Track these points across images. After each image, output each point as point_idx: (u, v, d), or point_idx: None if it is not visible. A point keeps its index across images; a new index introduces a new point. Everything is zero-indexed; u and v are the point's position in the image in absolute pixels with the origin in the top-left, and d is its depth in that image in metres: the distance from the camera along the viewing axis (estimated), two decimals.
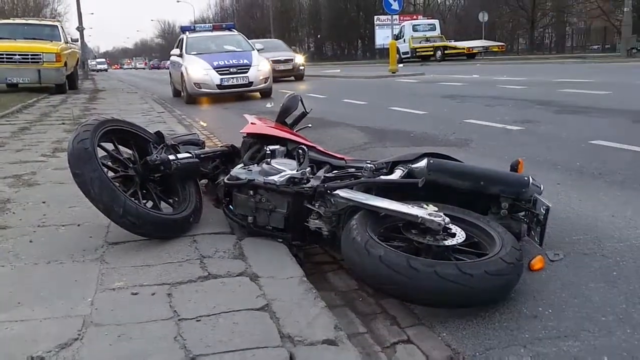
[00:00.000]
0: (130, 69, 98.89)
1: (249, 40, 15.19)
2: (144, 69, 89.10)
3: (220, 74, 12.30)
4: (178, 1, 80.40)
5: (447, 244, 2.30)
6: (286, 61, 19.40)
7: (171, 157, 3.10)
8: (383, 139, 6.18)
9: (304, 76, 20.29)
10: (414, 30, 34.56)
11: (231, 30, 14.86)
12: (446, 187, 2.66)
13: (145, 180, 3.09)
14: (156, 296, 2.20)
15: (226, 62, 12.51)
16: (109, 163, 3.04)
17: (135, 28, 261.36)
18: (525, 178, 2.67)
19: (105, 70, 69.96)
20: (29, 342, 1.86)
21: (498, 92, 10.53)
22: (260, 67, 12.72)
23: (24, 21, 17.21)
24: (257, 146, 3.40)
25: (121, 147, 3.20)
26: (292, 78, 19.82)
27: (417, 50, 32.91)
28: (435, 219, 2.29)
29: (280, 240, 2.80)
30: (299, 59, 20.24)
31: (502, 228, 2.45)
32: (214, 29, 15.09)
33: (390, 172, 2.83)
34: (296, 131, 3.76)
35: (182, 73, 12.78)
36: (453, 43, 34.49)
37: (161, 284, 2.32)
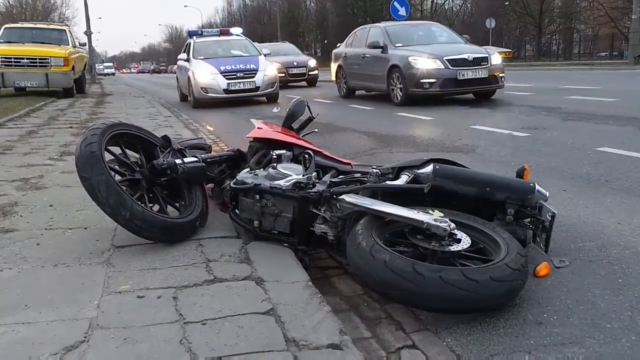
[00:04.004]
0: (128, 72, 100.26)
1: None
2: (136, 72, 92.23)
3: (227, 79, 12.33)
4: (186, 6, 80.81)
5: (452, 250, 2.31)
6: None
7: (178, 161, 3.12)
8: (389, 145, 6.18)
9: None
10: None
11: (238, 35, 14.90)
12: (452, 193, 2.67)
13: (152, 184, 3.11)
14: (162, 299, 2.21)
15: (233, 67, 12.55)
16: (116, 167, 3.06)
17: (142, 32, 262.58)
18: (531, 184, 2.67)
19: (113, 74, 70.27)
20: (35, 344, 1.88)
21: (505, 98, 10.51)
22: (267, 72, 12.75)
23: (32, 25, 17.30)
24: (264, 151, 3.41)
25: (128, 151, 3.22)
26: None
27: None
28: (441, 224, 2.29)
29: (286, 244, 2.81)
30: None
31: (507, 234, 2.45)
32: (221, 33, 15.14)
33: (396, 177, 2.83)
34: (302, 136, 3.77)
35: (189, 77, 12.82)
36: None
37: (167, 287, 2.33)
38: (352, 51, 12.82)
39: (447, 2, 60.27)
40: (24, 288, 2.35)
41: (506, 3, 49.38)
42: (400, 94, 10.39)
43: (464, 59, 9.96)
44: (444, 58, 9.91)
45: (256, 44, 20.06)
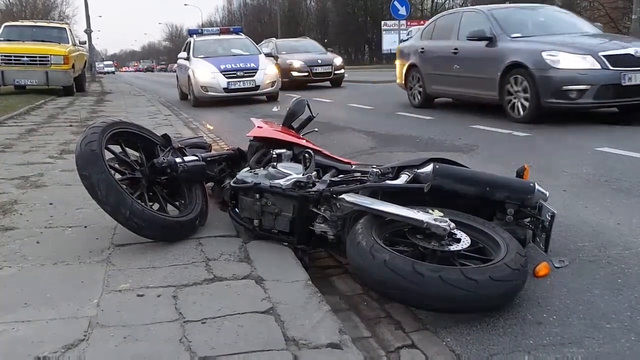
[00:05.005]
0: (128, 71, 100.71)
1: None
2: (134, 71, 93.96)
3: (227, 78, 12.32)
4: (186, 5, 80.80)
5: (452, 249, 2.31)
6: None
7: (178, 160, 3.12)
8: (389, 144, 6.18)
9: None
10: None
11: (238, 34, 14.90)
12: (452, 192, 2.67)
13: (152, 182, 3.11)
14: (162, 298, 2.21)
15: (233, 66, 12.54)
16: (116, 165, 3.07)
17: (143, 31, 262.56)
18: (531, 184, 2.67)
19: (113, 72, 70.29)
20: (35, 342, 1.88)
21: None
22: (267, 71, 12.73)
23: (32, 23, 17.30)
24: (264, 150, 3.41)
25: (128, 150, 3.22)
26: None
27: None
28: (441, 224, 2.29)
29: (286, 243, 2.82)
30: None
31: (507, 234, 2.45)
32: (222, 32, 15.12)
33: (396, 177, 2.83)
34: (302, 135, 3.77)
35: (189, 76, 12.81)
36: None
37: (167, 286, 2.33)
38: (433, 45, 9.40)
39: (447, 1, 60.25)
40: (24, 286, 2.35)
41: (506, 2, 49.41)
42: (525, 105, 7.07)
43: (629, 55, 6.64)
44: (600, 54, 6.61)
45: (273, 39, 18.98)
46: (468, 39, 8.12)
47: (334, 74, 16.65)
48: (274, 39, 19.67)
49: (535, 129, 6.53)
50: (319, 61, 16.54)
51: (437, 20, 9.88)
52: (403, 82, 10.26)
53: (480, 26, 8.04)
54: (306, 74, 16.13)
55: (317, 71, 16.37)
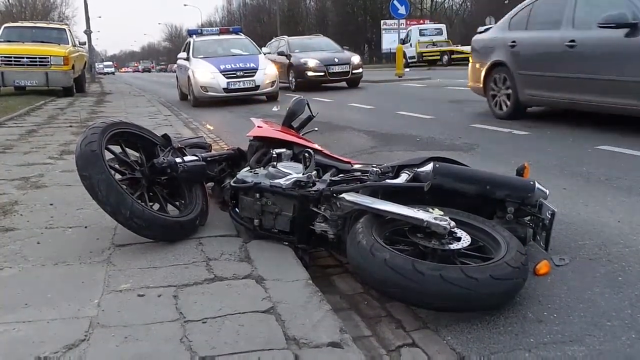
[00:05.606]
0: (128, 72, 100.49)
1: None
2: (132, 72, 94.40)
3: (227, 78, 12.32)
4: (185, 5, 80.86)
5: (452, 248, 2.31)
6: None
7: (178, 160, 3.12)
8: (389, 143, 6.18)
9: None
10: (421, 34, 34.48)
11: (238, 34, 14.89)
12: (452, 191, 2.66)
13: (152, 182, 3.11)
14: (162, 298, 2.21)
15: (233, 66, 12.54)
16: (117, 165, 3.07)
17: (142, 31, 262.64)
18: (531, 182, 2.67)
19: (113, 73, 70.29)
20: (36, 342, 1.88)
21: None
22: (266, 71, 12.73)
23: (32, 24, 17.28)
24: (264, 149, 3.41)
25: (128, 150, 3.22)
26: None
27: (424, 54, 32.79)
28: (441, 222, 2.29)
29: (286, 243, 2.82)
30: None
31: (507, 232, 2.45)
32: (221, 32, 15.12)
33: (396, 176, 2.84)
34: (302, 135, 3.77)
35: (189, 76, 12.82)
36: (460, 47, 34.22)
37: (167, 286, 2.33)
38: (531, 37, 6.99)
39: (446, 0, 60.25)
40: (25, 287, 2.36)
41: (505, 2, 49.35)
42: None
43: None
44: None
45: (285, 37, 18.10)
46: (600, 27, 5.70)
47: (352, 73, 15.47)
48: (286, 36, 18.74)
49: (535, 127, 6.53)
50: (336, 60, 15.38)
51: (535, 3, 7.11)
52: (482, 85, 7.77)
53: (617, 9, 5.62)
54: (322, 73, 15.05)
55: (334, 70, 15.23)
